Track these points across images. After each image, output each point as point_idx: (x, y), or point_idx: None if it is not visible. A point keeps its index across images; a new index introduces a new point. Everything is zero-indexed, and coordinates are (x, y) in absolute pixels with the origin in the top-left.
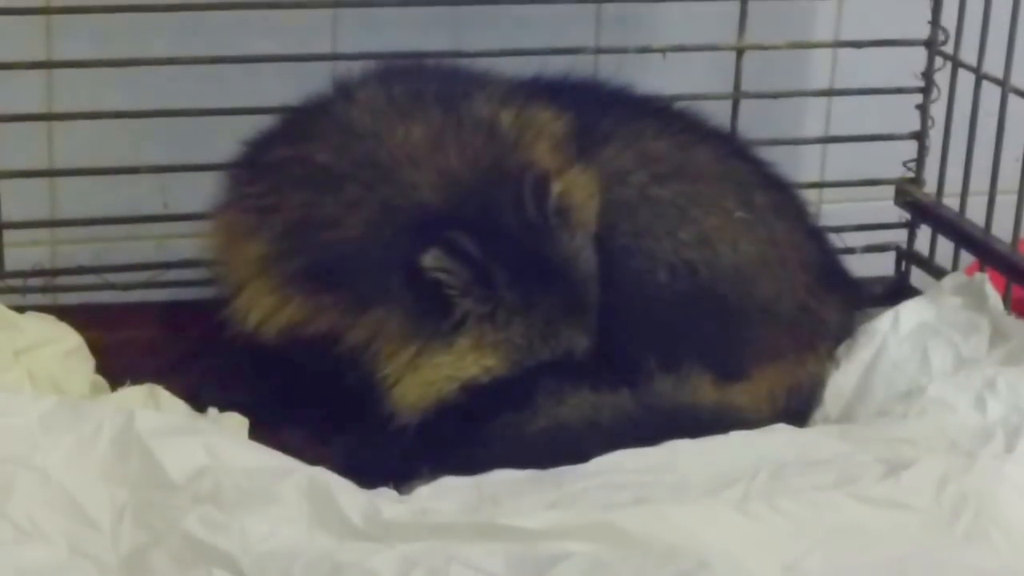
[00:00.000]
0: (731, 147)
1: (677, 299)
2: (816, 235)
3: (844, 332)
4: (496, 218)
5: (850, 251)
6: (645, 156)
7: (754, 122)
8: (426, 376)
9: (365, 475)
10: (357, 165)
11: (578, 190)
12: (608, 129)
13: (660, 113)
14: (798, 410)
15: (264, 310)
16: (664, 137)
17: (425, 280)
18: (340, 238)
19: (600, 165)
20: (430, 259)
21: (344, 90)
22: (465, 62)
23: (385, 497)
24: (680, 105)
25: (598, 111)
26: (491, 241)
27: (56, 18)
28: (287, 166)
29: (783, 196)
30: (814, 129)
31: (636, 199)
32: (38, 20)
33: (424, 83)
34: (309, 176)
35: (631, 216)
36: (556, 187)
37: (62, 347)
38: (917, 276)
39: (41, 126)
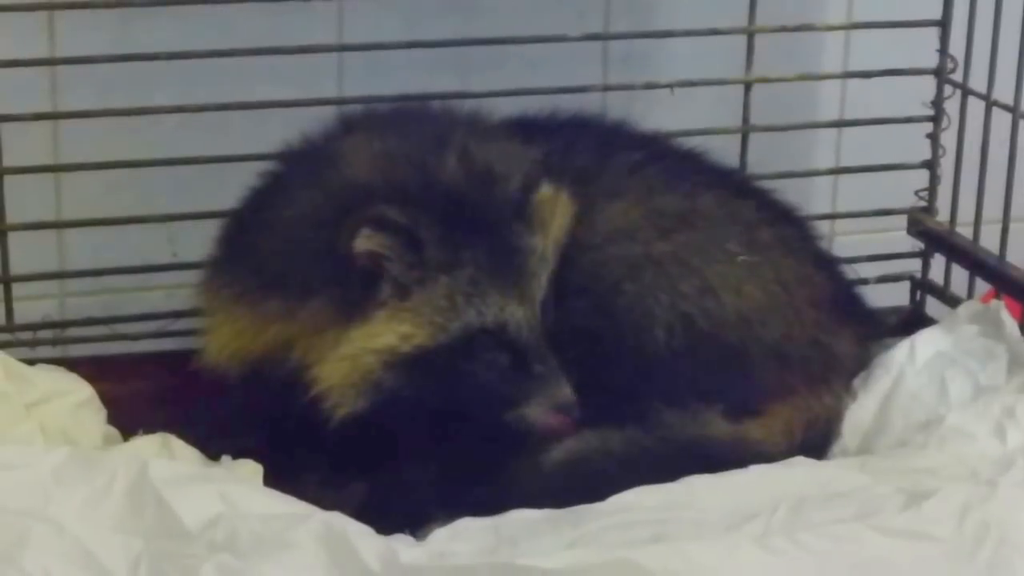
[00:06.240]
0: (735, 185)
1: (677, 352)
2: (827, 266)
3: (859, 364)
4: (437, 184)
5: (864, 282)
6: (653, 211)
7: (764, 155)
8: (344, 352)
9: (381, 520)
10: (303, 176)
11: (552, 199)
12: (617, 181)
13: (664, 156)
14: (816, 443)
15: (223, 338)
16: (671, 187)
17: (356, 263)
18: (278, 237)
19: (609, 219)
20: (363, 241)
21: (309, 137)
22: (471, 103)
23: (402, 542)
24: (683, 142)
25: (592, 150)
26: (427, 205)
27: (61, 69)
28: (248, 208)
29: (791, 230)
30: (825, 161)
31: (641, 258)
32: (43, 72)
33: (388, 116)
34: (257, 202)
35: (635, 276)
36: (547, 189)
37: (73, 399)
38: (932, 305)
39: (48, 178)
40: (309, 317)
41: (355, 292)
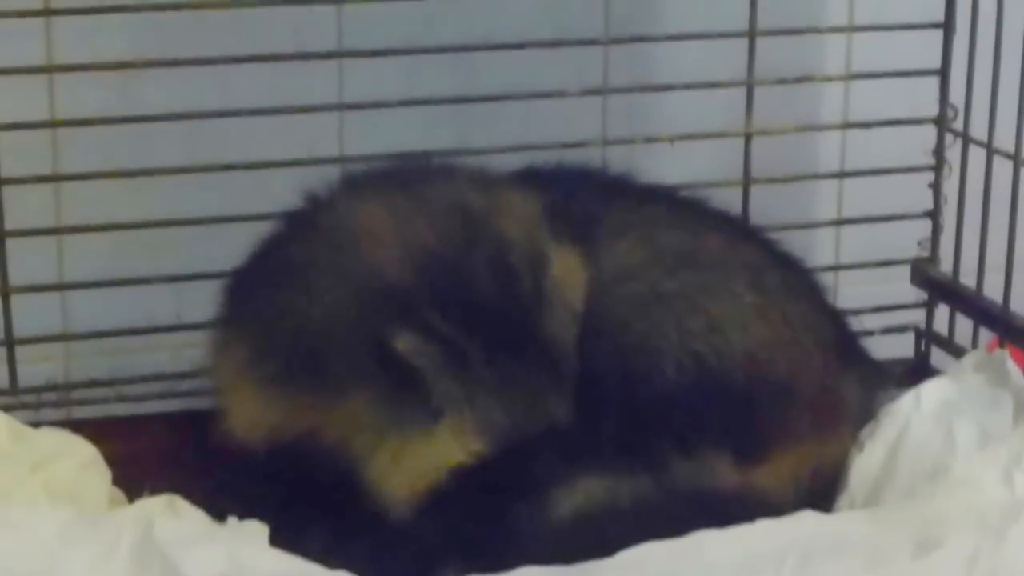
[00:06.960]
0: (740, 230)
1: (686, 390)
2: (831, 313)
3: (865, 410)
4: (472, 294)
5: (868, 334)
6: (658, 250)
7: (765, 207)
8: (412, 468)
9: None
10: (323, 252)
11: (563, 270)
12: (621, 220)
13: (668, 201)
14: (822, 492)
15: (248, 417)
16: (676, 228)
17: (398, 364)
18: (311, 329)
19: (614, 258)
20: (402, 343)
21: (314, 196)
22: (469, 158)
23: None
24: (688, 192)
25: (593, 197)
26: (465, 317)
27: (62, 131)
28: (262, 271)
29: (795, 275)
30: (826, 212)
31: (648, 296)
32: (44, 133)
33: (390, 176)
34: (279, 274)
35: (642, 314)
36: (553, 267)
37: (78, 460)
38: (937, 356)
39: (51, 240)
40: (350, 414)
41: (399, 394)
